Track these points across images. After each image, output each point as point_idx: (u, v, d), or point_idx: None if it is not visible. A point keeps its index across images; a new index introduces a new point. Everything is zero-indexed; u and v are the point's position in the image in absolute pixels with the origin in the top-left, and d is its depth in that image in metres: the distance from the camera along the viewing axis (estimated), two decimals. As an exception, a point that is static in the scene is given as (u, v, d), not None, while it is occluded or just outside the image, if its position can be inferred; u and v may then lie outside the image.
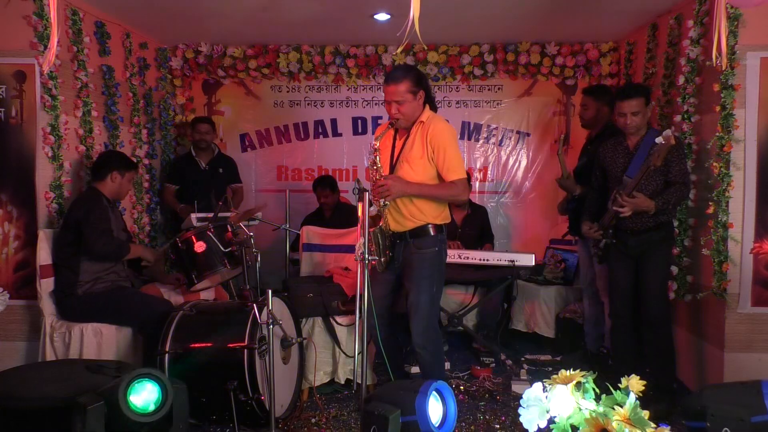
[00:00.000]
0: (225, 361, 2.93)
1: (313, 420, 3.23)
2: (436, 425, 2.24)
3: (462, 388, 3.72)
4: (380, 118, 5.46)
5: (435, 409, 2.31)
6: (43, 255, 3.38)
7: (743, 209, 3.29)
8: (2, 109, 3.54)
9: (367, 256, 2.75)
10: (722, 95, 3.23)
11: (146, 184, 4.71)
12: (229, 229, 3.46)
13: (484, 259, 4.20)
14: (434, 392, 2.30)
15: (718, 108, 3.26)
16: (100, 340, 3.27)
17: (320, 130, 5.61)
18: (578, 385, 1.64)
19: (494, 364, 4.10)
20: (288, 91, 5.53)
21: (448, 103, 5.47)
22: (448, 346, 4.40)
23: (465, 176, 3.02)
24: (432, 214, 3.03)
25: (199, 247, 3.41)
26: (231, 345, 2.92)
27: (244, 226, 3.56)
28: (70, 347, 3.27)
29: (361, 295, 2.73)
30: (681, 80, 3.61)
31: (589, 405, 1.59)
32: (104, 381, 2.47)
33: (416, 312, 3.01)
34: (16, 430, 2.48)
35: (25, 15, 3.47)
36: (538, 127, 5.51)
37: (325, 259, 4.18)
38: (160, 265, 3.90)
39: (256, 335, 2.90)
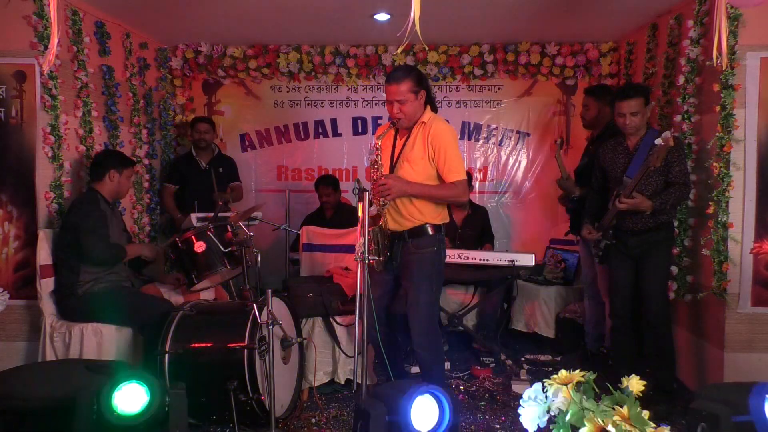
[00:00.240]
0: (225, 361, 2.92)
1: (313, 420, 3.23)
2: (427, 428, 2.21)
3: (462, 388, 3.72)
4: (380, 118, 5.46)
5: (425, 412, 2.26)
6: (43, 255, 3.38)
7: (743, 209, 3.29)
8: (2, 109, 3.54)
9: (366, 255, 2.75)
10: (722, 95, 3.24)
11: (146, 184, 4.71)
12: (229, 229, 3.47)
13: (484, 259, 4.20)
14: (429, 395, 2.26)
15: (718, 108, 3.26)
16: (100, 340, 3.26)
17: (320, 130, 5.61)
18: (578, 385, 1.64)
19: (494, 364, 4.09)
20: (288, 91, 5.53)
21: (448, 103, 5.47)
22: (448, 346, 4.40)
23: (465, 177, 3.02)
24: (430, 215, 3.03)
25: (199, 247, 3.41)
26: (231, 345, 2.92)
27: (244, 226, 3.56)
28: (70, 347, 3.27)
29: (361, 295, 2.73)
30: (681, 80, 3.61)
31: (589, 405, 1.59)
32: (104, 381, 2.47)
33: (416, 312, 3.01)
34: (16, 430, 2.48)
35: (25, 15, 3.47)
36: (538, 127, 5.51)
37: (325, 259, 4.18)
38: (160, 264, 3.90)
39: (256, 335, 2.90)
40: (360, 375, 2.80)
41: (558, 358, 4.25)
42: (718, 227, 3.28)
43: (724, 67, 3.17)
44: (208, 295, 3.80)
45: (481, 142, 5.59)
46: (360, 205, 2.75)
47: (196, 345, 3.00)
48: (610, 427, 1.53)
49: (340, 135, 5.60)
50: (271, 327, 2.83)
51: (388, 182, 2.90)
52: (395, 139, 3.12)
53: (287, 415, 3.19)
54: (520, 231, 5.63)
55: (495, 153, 5.59)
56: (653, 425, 1.54)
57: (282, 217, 4.81)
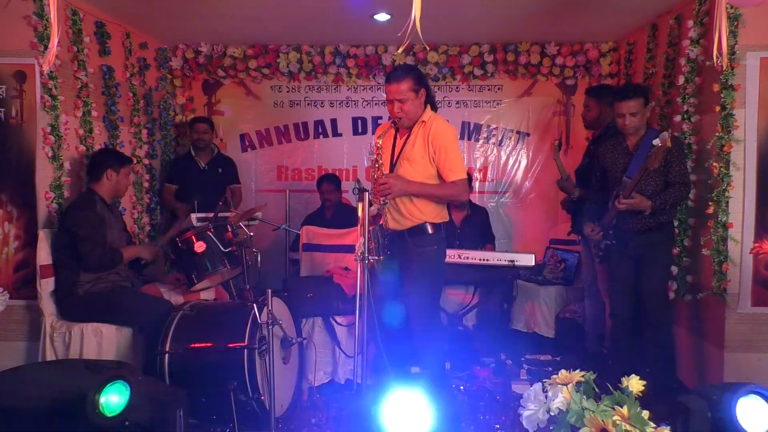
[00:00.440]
0: (225, 361, 2.92)
1: (313, 420, 3.23)
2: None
3: (462, 388, 3.72)
4: (380, 118, 5.46)
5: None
6: (43, 255, 3.38)
7: (743, 209, 3.29)
8: (2, 109, 3.54)
9: (366, 255, 2.75)
10: (722, 95, 3.23)
11: (146, 184, 4.70)
12: (229, 229, 3.46)
13: (484, 259, 4.20)
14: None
15: (718, 108, 3.26)
16: (100, 340, 3.26)
17: (320, 130, 5.61)
18: (578, 385, 1.64)
19: (494, 364, 4.09)
20: (288, 91, 5.53)
21: (448, 103, 5.47)
22: (448, 346, 4.40)
23: (465, 177, 3.02)
24: (430, 214, 3.03)
25: (199, 247, 3.40)
26: (231, 345, 2.92)
27: (244, 226, 3.56)
28: (70, 347, 3.27)
29: (361, 295, 2.73)
30: (681, 80, 3.61)
31: (589, 405, 1.59)
32: (95, 381, 2.45)
33: (416, 311, 3.01)
34: (15, 430, 2.47)
35: (25, 15, 3.47)
36: (538, 127, 5.51)
37: (325, 259, 4.18)
38: (160, 264, 3.90)
39: (256, 335, 2.90)
40: (360, 375, 2.80)
41: (558, 358, 4.25)
42: (718, 227, 3.28)
43: (724, 67, 3.17)
44: (208, 295, 3.80)
45: (481, 142, 5.58)
46: (360, 205, 2.75)
47: (196, 345, 3.00)
48: (610, 427, 1.53)
49: (340, 135, 5.60)
50: (271, 327, 2.83)
51: (388, 181, 2.90)
52: (395, 139, 3.12)
53: (287, 415, 3.19)
54: (520, 231, 5.63)
55: (495, 153, 5.59)
56: (653, 425, 1.54)
57: (282, 217, 4.80)
